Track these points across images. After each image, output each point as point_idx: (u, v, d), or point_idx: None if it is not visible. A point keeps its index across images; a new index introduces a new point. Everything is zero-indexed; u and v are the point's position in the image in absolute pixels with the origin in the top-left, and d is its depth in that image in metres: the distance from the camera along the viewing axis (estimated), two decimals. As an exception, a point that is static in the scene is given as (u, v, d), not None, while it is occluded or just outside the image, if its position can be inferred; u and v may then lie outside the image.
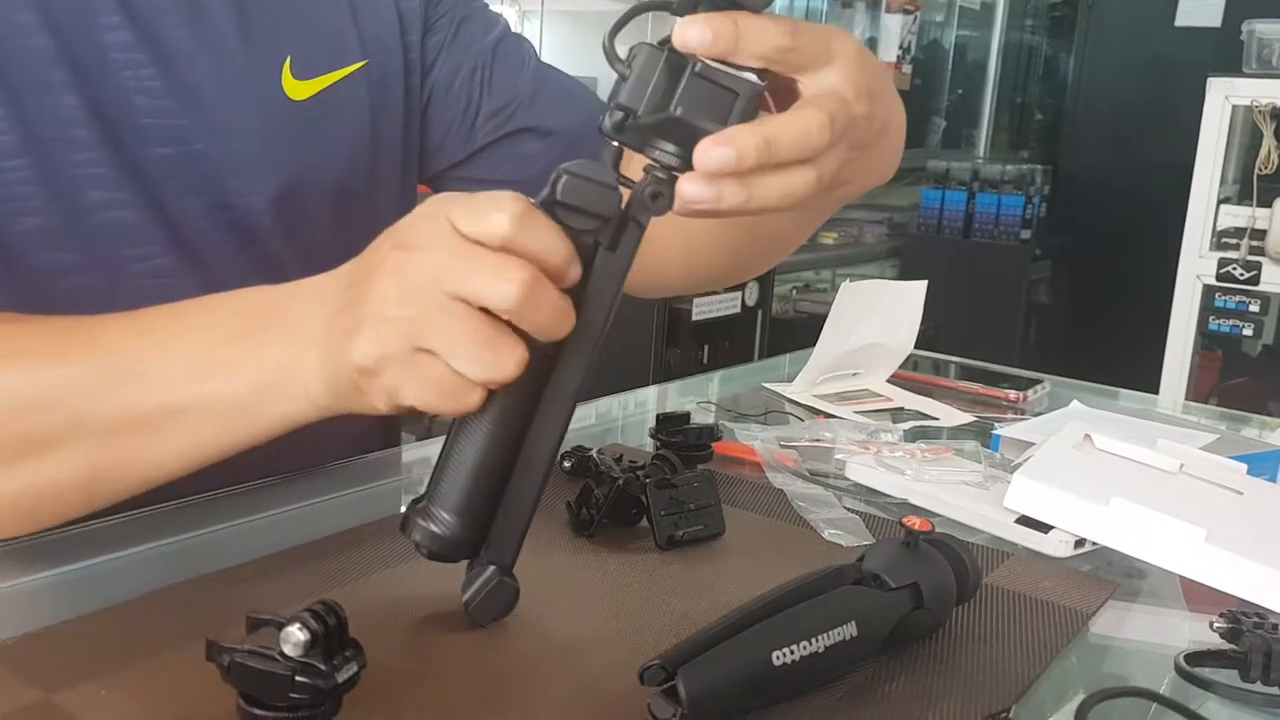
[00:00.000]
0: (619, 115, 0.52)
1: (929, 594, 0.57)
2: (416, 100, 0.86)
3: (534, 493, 0.56)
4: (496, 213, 0.50)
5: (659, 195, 0.53)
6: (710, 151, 0.50)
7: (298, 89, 0.78)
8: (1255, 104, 2.71)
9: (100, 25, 0.71)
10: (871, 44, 4.01)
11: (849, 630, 0.52)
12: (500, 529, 0.56)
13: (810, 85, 0.54)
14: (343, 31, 0.81)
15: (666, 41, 0.52)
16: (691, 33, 0.51)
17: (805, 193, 0.53)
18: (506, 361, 0.51)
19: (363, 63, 0.82)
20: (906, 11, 3.98)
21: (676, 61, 0.52)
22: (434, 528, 0.55)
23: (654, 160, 0.53)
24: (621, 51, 0.53)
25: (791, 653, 0.50)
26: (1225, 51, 3.11)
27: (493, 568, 0.56)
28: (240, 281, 0.62)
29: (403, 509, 0.58)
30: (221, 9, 0.76)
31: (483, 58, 0.87)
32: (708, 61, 0.51)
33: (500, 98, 0.87)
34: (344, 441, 0.81)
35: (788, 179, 0.52)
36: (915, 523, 0.59)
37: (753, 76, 0.52)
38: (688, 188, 0.51)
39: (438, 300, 0.51)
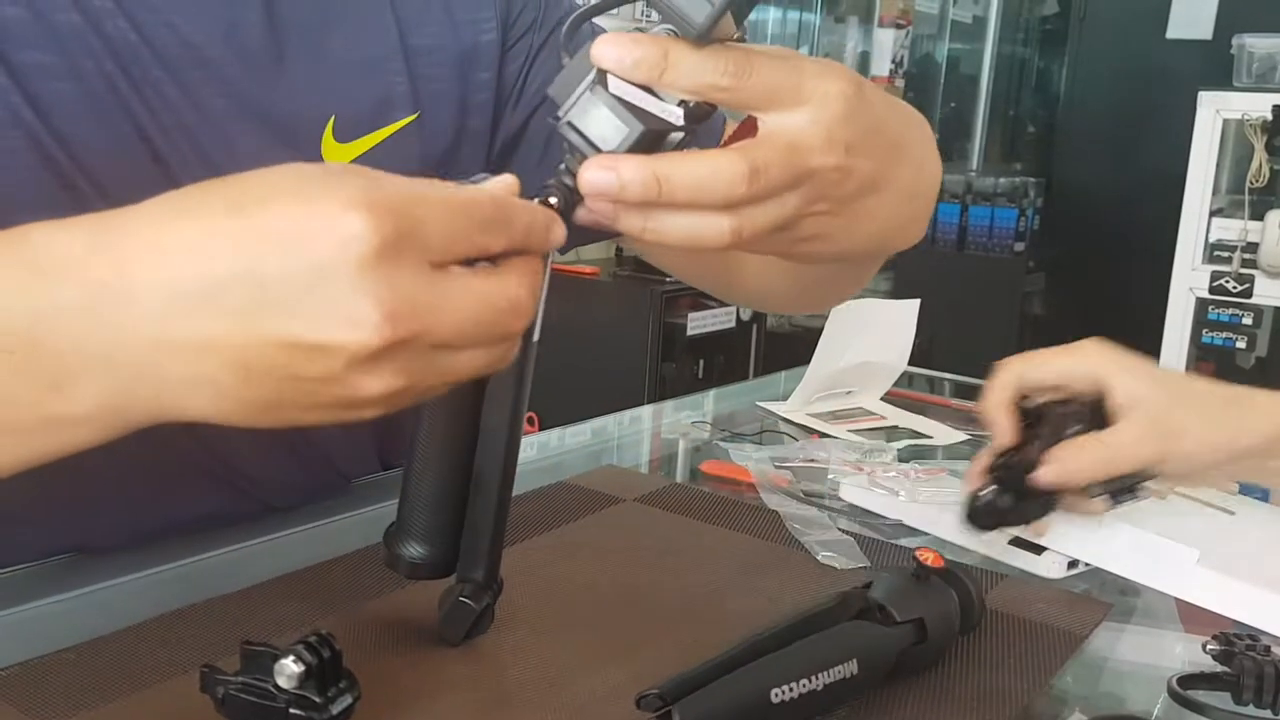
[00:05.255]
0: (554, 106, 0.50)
1: (933, 628, 0.56)
2: (480, 142, 0.78)
3: (490, 513, 0.56)
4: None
5: (549, 201, 0.49)
6: (592, 172, 0.48)
7: (337, 152, 0.71)
8: (1246, 118, 2.72)
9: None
10: (864, 59, 4.02)
11: (849, 668, 0.52)
12: (467, 549, 0.56)
13: (766, 125, 0.49)
14: (393, 84, 0.73)
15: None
16: (608, 54, 0.47)
17: (715, 241, 0.49)
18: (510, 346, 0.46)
19: (414, 115, 0.73)
20: (899, 26, 3.99)
21: (596, 71, 0.48)
22: (405, 554, 0.56)
23: (564, 165, 0.50)
24: None
25: (790, 690, 0.50)
26: (1216, 63, 3.12)
27: (457, 589, 0.57)
28: None
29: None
30: (261, 70, 0.67)
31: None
32: (620, 81, 0.48)
33: None
34: (327, 475, 0.80)
35: (691, 222, 0.49)
36: (929, 557, 0.58)
37: (674, 109, 0.49)
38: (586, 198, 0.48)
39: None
